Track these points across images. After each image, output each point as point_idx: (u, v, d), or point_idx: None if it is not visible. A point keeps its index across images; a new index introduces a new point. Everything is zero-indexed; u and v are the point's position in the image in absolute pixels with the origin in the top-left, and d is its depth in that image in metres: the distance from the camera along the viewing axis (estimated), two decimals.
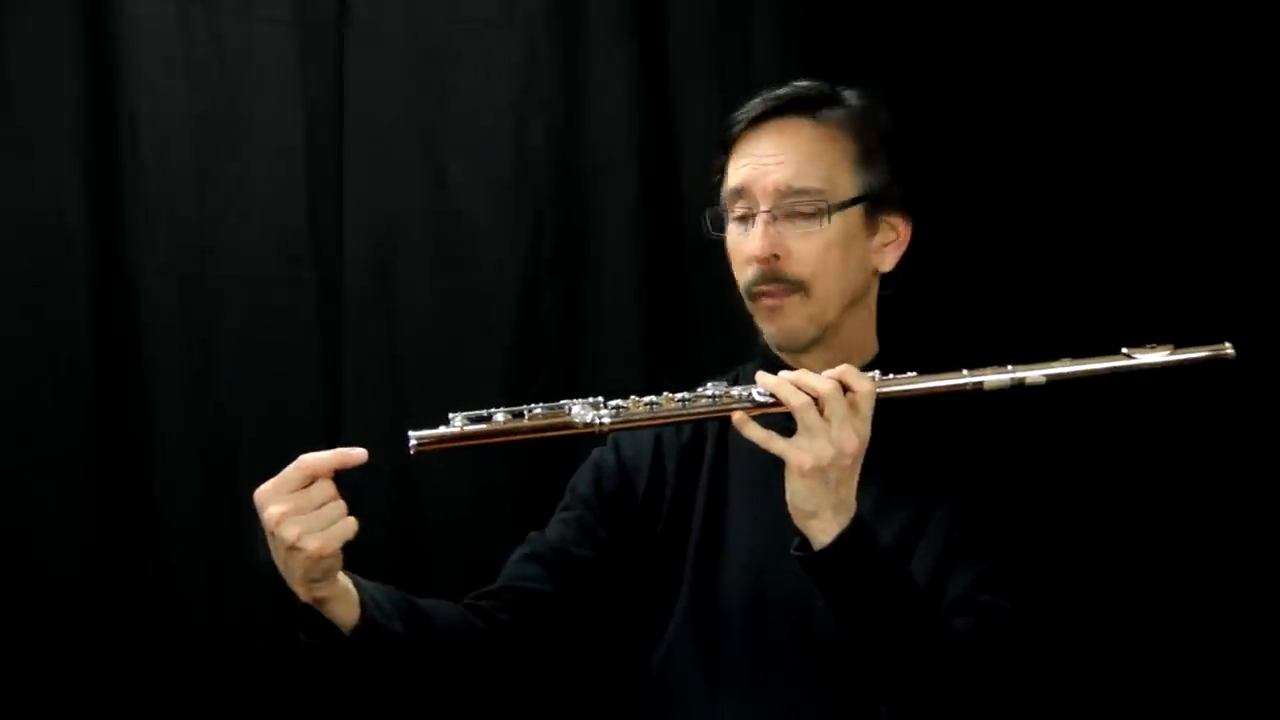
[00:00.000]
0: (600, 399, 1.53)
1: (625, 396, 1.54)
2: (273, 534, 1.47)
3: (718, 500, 1.75)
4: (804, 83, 1.77)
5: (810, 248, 1.68)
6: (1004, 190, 2.31)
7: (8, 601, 2.27)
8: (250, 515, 2.29)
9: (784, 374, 1.53)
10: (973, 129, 2.31)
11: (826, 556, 1.50)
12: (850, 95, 1.76)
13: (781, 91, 1.75)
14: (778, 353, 1.76)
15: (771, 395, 1.52)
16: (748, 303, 1.73)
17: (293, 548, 1.46)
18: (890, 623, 1.51)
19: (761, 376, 1.53)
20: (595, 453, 1.83)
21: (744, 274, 1.72)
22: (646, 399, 1.54)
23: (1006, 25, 2.32)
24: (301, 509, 1.47)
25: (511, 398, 2.32)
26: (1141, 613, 2.28)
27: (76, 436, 2.30)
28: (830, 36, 2.34)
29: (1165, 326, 2.23)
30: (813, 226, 1.68)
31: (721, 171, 1.77)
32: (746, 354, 1.84)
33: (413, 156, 2.37)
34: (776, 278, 1.69)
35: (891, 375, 1.56)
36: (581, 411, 1.52)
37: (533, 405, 1.54)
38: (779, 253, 1.68)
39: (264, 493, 1.48)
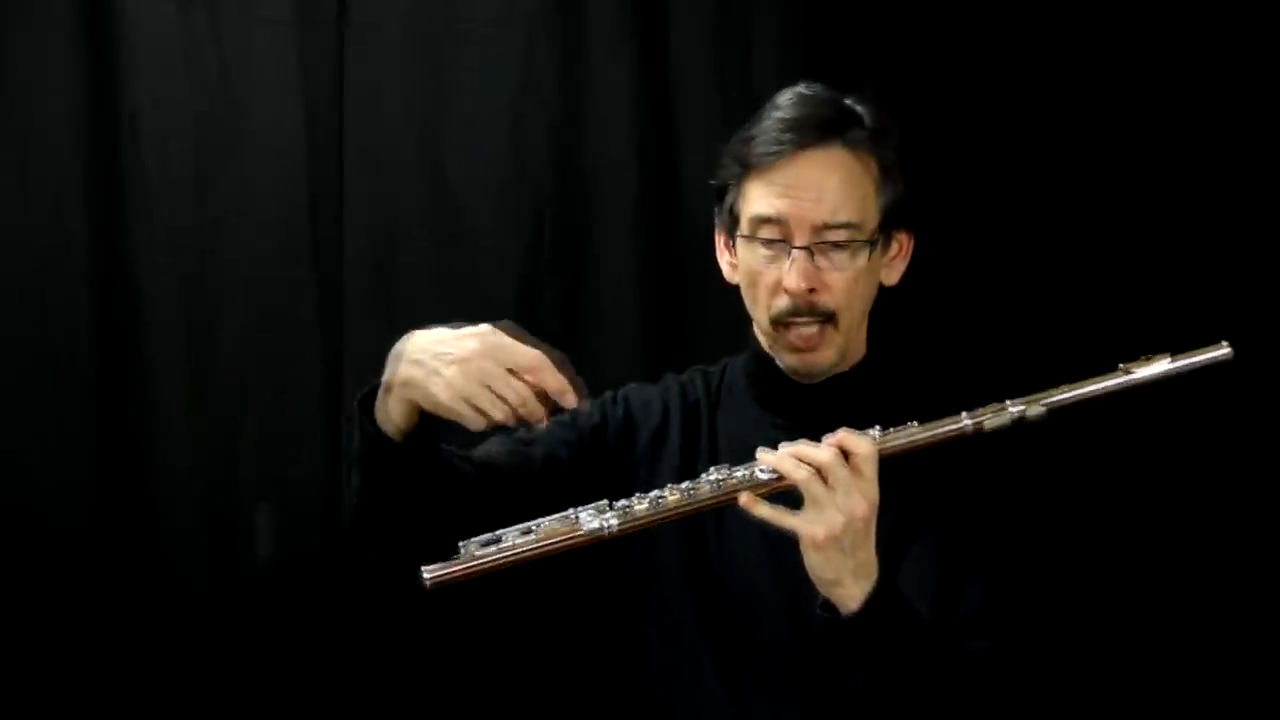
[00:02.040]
0: (606, 502, 1.53)
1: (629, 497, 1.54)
2: (478, 368, 1.47)
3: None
4: (822, 96, 1.72)
5: (844, 280, 1.66)
6: (999, 189, 2.31)
7: (9, 601, 2.27)
8: (249, 514, 2.32)
9: (784, 447, 1.52)
10: (972, 129, 2.31)
11: (856, 623, 1.49)
12: (865, 109, 1.72)
13: (809, 114, 1.69)
14: (769, 353, 1.73)
15: (774, 471, 1.51)
16: (767, 328, 1.70)
17: (464, 400, 1.47)
18: (920, 677, 1.52)
19: (762, 454, 1.53)
20: (606, 397, 1.80)
21: (771, 302, 1.68)
22: (651, 495, 1.53)
23: (1006, 26, 2.32)
24: (514, 399, 1.48)
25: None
26: (1145, 621, 2.28)
27: (76, 436, 2.30)
28: (830, 36, 2.34)
29: (1157, 318, 2.25)
30: (846, 260, 1.67)
31: (734, 186, 1.72)
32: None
33: (413, 156, 2.37)
34: (812, 310, 1.67)
35: (891, 430, 1.55)
36: (589, 518, 1.52)
37: (539, 520, 1.53)
38: (815, 286, 1.66)
39: (520, 349, 1.49)
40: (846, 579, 1.49)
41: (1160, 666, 2.28)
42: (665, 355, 2.33)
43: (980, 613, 1.61)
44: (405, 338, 1.53)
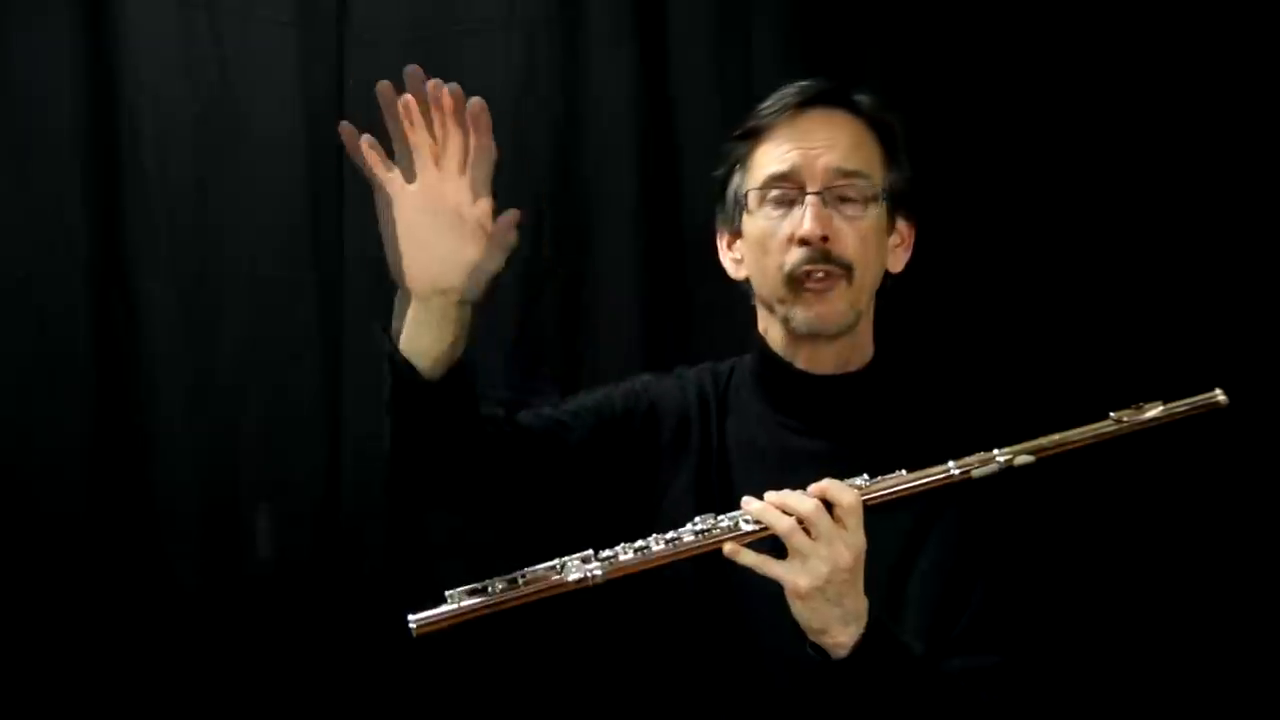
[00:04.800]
0: (591, 552, 1.54)
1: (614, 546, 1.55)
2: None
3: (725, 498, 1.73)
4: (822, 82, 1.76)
5: (856, 232, 1.69)
6: (1001, 190, 2.30)
7: (9, 600, 2.27)
8: (249, 514, 2.32)
9: (769, 496, 1.52)
10: (973, 131, 2.31)
11: (846, 667, 1.50)
12: (868, 95, 1.76)
13: (813, 83, 1.75)
14: (778, 351, 1.74)
15: (757, 521, 1.52)
16: (783, 290, 1.70)
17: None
18: (914, 714, 1.52)
19: (746, 503, 1.53)
20: (630, 386, 1.81)
21: (786, 257, 1.69)
22: (636, 544, 1.54)
23: (1005, 26, 2.32)
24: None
25: (512, 397, 2.34)
26: (1156, 638, 2.27)
27: (77, 437, 2.30)
28: (830, 36, 2.34)
29: (1163, 313, 2.24)
30: (858, 211, 1.69)
31: (739, 167, 1.75)
32: (745, 351, 1.84)
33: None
34: (827, 258, 1.67)
35: (878, 478, 1.55)
36: (574, 568, 1.53)
37: (524, 570, 1.54)
38: (829, 234, 1.67)
39: None
40: (834, 627, 1.49)
41: (1172, 682, 2.27)
42: (665, 355, 2.32)
43: (985, 616, 1.61)
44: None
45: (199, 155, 2.34)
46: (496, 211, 2.32)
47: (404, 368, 1.53)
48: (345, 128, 1.51)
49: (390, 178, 1.52)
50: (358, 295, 2.35)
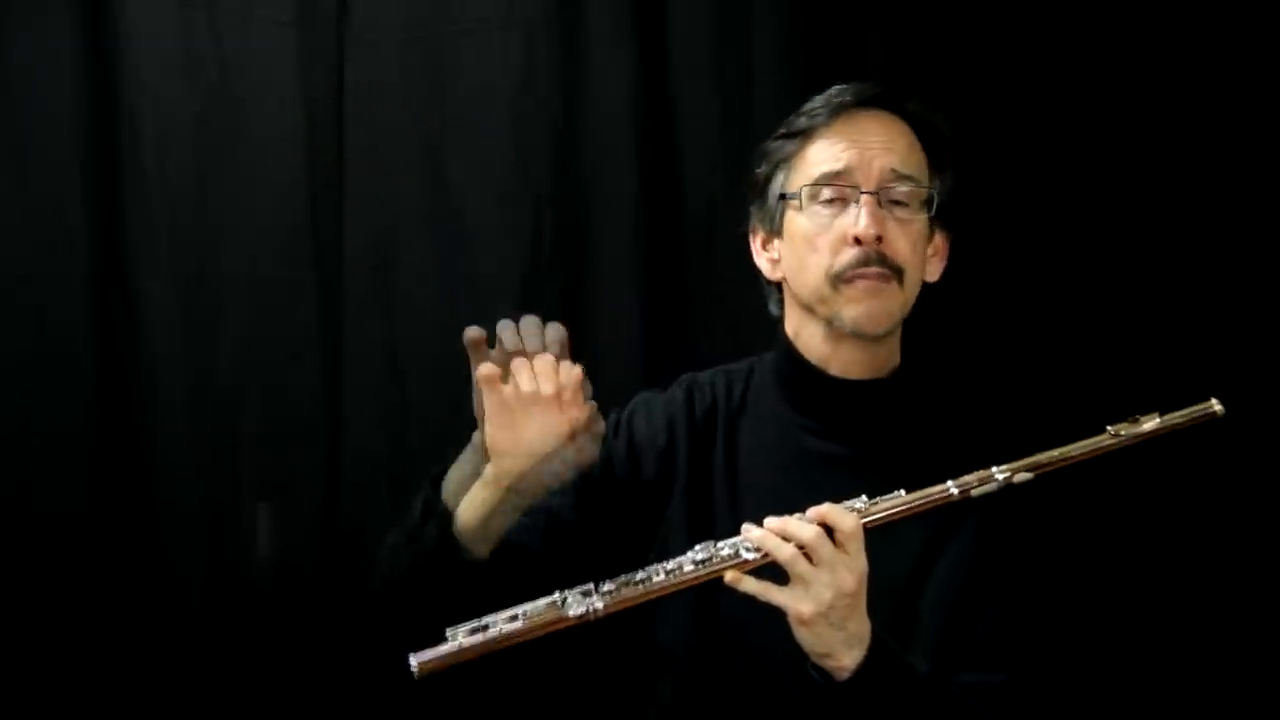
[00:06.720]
0: (591, 586, 1.53)
1: (615, 577, 1.55)
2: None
3: (729, 498, 1.73)
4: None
5: (907, 236, 1.68)
6: (1008, 195, 2.30)
7: (9, 600, 2.27)
8: (249, 514, 2.32)
9: (769, 522, 1.51)
10: (977, 133, 2.30)
11: (849, 688, 1.50)
12: (921, 103, 1.75)
13: (867, 85, 1.73)
14: (809, 354, 1.72)
15: (758, 549, 1.51)
16: (826, 289, 1.68)
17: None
18: None
19: (747, 530, 1.53)
20: (609, 423, 1.79)
21: (836, 258, 1.67)
22: (638, 575, 1.54)
23: (1007, 26, 2.32)
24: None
25: None
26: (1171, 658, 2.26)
27: (77, 436, 2.29)
28: (830, 36, 2.34)
29: (1185, 314, 2.23)
30: (909, 215, 1.68)
31: (783, 166, 1.73)
32: (746, 352, 1.84)
33: (413, 156, 2.37)
34: (882, 260, 1.66)
35: (877, 499, 1.54)
36: (575, 602, 1.53)
37: (525, 605, 1.53)
38: (882, 234, 1.66)
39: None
40: (838, 650, 1.49)
41: (1182, 697, 2.26)
42: (665, 355, 2.33)
43: (997, 631, 1.61)
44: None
45: (199, 155, 2.33)
46: (496, 213, 2.36)
47: (454, 548, 1.57)
48: (471, 333, 1.55)
49: (486, 373, 1.54)
50: (358, 295, 2.36)
